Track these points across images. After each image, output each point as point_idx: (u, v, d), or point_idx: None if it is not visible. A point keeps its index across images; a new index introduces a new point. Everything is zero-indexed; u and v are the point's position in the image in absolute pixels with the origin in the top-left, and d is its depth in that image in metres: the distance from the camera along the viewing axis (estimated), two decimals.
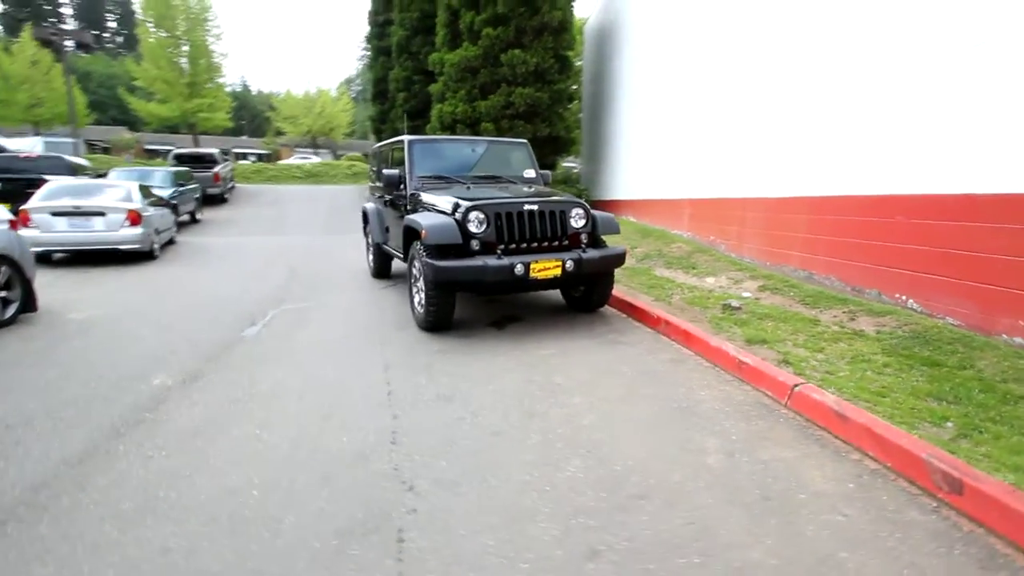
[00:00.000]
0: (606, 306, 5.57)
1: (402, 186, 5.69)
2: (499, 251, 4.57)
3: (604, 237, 5.16)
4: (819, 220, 5.72)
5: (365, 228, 7.90)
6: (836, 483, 2.45)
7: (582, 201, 5.03)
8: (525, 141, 6.30)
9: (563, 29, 12.82)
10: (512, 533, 2.10)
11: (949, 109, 4.29)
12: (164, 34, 26.37)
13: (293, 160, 35.40)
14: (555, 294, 6.12)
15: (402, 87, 15.24)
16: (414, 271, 5.01)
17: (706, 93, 8.12)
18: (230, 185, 18.19)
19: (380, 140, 19.85)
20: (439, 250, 4.56)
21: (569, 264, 4.64)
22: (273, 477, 2.49)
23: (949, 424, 2.81)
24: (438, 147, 5.83)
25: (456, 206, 4.63)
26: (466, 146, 6.12)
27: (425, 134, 15.35)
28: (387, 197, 6.37)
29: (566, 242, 4.88)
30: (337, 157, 40.97)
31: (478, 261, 4.42)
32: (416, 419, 3.11)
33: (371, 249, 7.42)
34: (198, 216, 13.53)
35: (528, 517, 2.20)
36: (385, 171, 5.68)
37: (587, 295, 5.34)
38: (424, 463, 2.62)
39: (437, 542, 2.05)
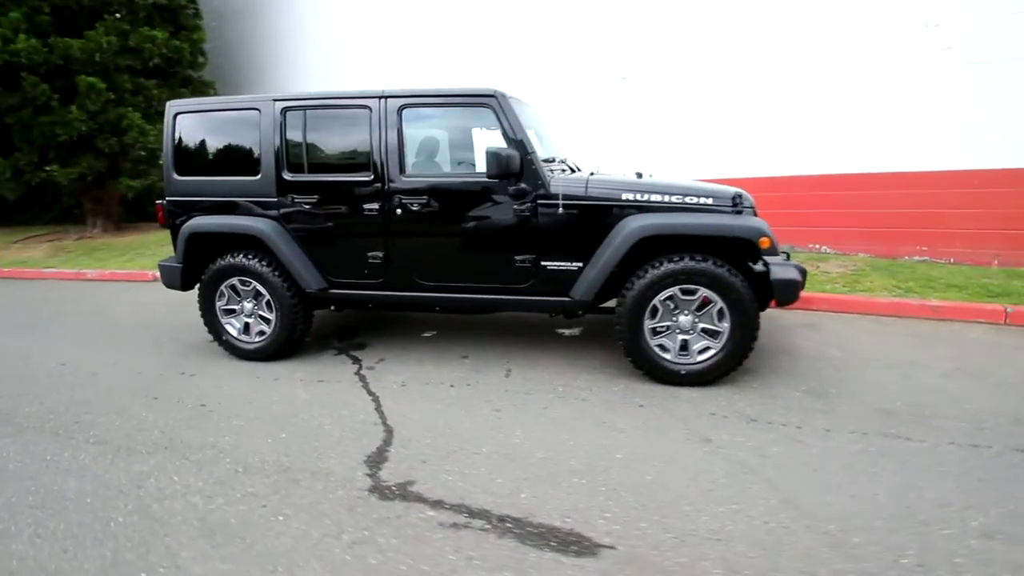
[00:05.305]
0: None
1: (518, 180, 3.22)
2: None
3: None
4: None
5: (184, 274, 3.75)
6: None
7: None
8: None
9: None
10: None
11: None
12: None
13: None
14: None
15: None
16: (671, 303, 3.15)
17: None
18: None
19: None
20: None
21: None
22: None
23: None
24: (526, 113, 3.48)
25: (737, 198, 3.21)
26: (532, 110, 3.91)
27: None
28: (412, 201, 3.33)
29: None
30: None
31: (791, 270, 3.31)
32: None
33: (273, 311, 3.61)
34: None
35: None
36: (500, 151, 3.02)
37: None
38: None
39: None
